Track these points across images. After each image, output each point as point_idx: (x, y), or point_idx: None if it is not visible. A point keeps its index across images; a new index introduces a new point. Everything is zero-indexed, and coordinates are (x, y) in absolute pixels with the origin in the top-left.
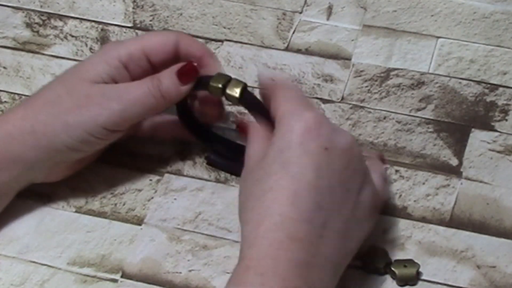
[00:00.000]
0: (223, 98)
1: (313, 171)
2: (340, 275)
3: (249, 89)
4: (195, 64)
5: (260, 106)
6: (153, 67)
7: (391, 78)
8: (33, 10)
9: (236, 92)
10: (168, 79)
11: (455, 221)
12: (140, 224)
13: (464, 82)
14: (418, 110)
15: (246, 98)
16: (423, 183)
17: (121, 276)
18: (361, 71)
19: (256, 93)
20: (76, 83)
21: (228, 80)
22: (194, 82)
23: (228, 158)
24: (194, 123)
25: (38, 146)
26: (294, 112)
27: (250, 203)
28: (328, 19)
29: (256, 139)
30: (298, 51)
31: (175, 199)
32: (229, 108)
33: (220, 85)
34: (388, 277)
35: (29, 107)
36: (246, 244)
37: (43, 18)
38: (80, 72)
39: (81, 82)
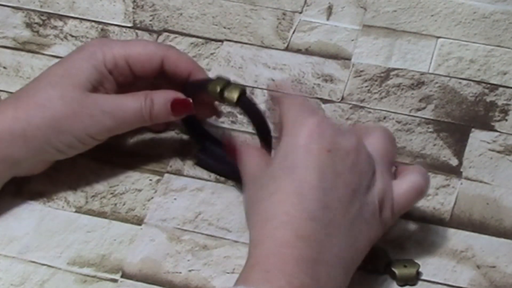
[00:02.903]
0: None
1: (316, 172)
2: (351, 275)
3: (247, 91)
4: (191, 101)
5: (256, 111)
6: (136, 77)
7: (391, 78)
8: (33, 10)
9: (233, 96)
10: (161, 105)
11: (455, 221)
12: (140, 224)
13: (464, 82)
14: (418, 110)
15: (243, 102)
16: None
17: (121, 276)
18: (361, 71)
19: (256, 94)
20: (68, 89)
21: (226, 84)
22: (184, 116)
23: (218, 159)
24: (190, 119)
25: (27, 148)
26: (297, 119)
27: (255, 207)
28: (328, 19)
29: (250, 155)
30: (298, 51)
31: (175, 199)
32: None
33: (218, 89)
34: (388, 277)
35: (20, 108)
36: (253, 244)
37: (43, 18)
38: (71, 77)
39: (73, 88)
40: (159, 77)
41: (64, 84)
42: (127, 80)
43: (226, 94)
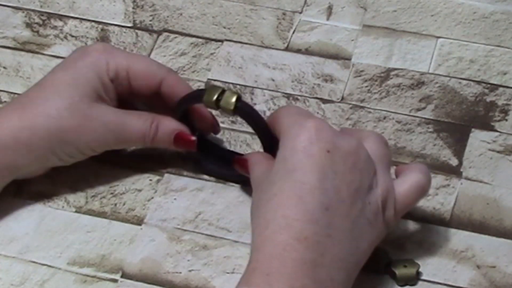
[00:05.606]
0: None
1: (316, 173)
2: (354, 277)
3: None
4: (195, 139)
5: (255, 115)
6: (133, 91)
7: (391, 78)
8: (33, 10)
9: (230, 104)
10: (165, 135)
11: (455, 221)
12: (140, 224)
13: (464, 82)
14: (418, 110)
15: (240, 109)
16: None
17: (121, 276)
18: (361, 71)
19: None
20: (75, 99)
21: (221, 92)
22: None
23: (222, 165)
24: (211, 167)
25: (31, 156)
26: (295, 122)
27: (257, 211)
28: (328, 19)
29: (257, 162)
30: (298, 51)
31: (175, 199)
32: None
33: (214, 99)
34: (388, 277)
35: (26, 117)
36: (254, 247)
37: (43, 18)
38: (77, 87)
39: (80, 99)
40: (155, 98)
41: (71, 93)
42: (124, 93)
43: (222, 102)
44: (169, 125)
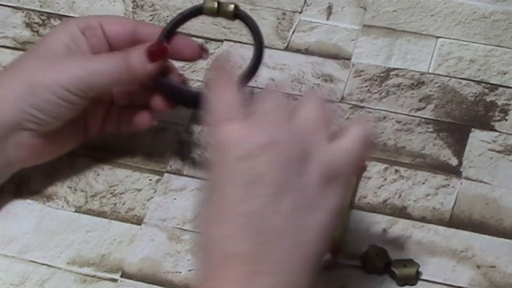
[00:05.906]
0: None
1: (239, 185)
2: (310, 269)
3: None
4: (166, 45)
5: (252, 21)
6: (110, 44)
7: (391, 78)
8: (33, 10)
9: (230, 7)
10: (136, 55)
11: (455, 221)
12: (139, 224)
13: (464, 82)
14: (418, 110)
15: (239, 13)
16: (423, 183)
17: (121, 276)
18: (361, 71)
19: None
20: (41, 50)
21: (218, 2)
22: (162, 61)
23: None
24: (169, 83)
25: (3, 109)
26: (217, 119)
27: (201, 211)
28: (328, 19)
29: (222, 96)
30: (298, 51)
31: (174, 198)
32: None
33: (215, 4)
34: (388, 277)
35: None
36: (198, 256)
37: (43, 18)
38: (45, 42)
39: (48, 51)
40: None
41: (37, 48)
42: (101, 44)
43: (224, 6)
44: (137, 47)
